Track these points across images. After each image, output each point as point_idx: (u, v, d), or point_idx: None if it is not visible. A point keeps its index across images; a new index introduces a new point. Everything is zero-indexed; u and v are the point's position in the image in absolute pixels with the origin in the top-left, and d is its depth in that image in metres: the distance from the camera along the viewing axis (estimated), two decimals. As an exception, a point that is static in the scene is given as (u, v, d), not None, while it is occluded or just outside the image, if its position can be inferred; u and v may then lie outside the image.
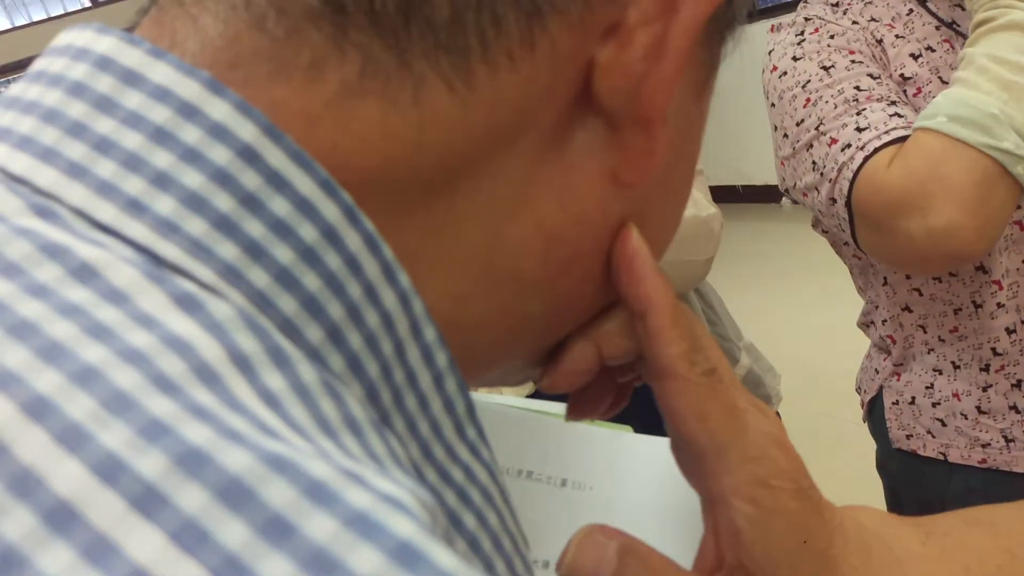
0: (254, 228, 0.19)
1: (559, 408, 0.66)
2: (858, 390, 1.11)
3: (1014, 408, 0.92)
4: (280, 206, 0.19)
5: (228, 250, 0.19)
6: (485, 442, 0.24)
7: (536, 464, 0.51)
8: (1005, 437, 0.93)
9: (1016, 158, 0.74)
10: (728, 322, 1.13)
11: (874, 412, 1.06)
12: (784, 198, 4.29)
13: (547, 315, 0.26)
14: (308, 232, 0.19)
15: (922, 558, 0.32)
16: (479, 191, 0.23)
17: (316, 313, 0.19)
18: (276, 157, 0.19)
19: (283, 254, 0.19)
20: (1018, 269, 0.87)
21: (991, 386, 0.92)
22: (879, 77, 0.86)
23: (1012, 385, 0.92)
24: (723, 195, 4.17)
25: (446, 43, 0.21)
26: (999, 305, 0.89)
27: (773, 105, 0.92)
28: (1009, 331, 0.89)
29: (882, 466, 1.08)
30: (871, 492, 1.08)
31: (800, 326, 3.12)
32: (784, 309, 3.33)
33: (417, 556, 0.14)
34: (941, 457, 0.98)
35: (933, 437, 0.98)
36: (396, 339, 0.21)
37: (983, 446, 0.94)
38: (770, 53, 0.92)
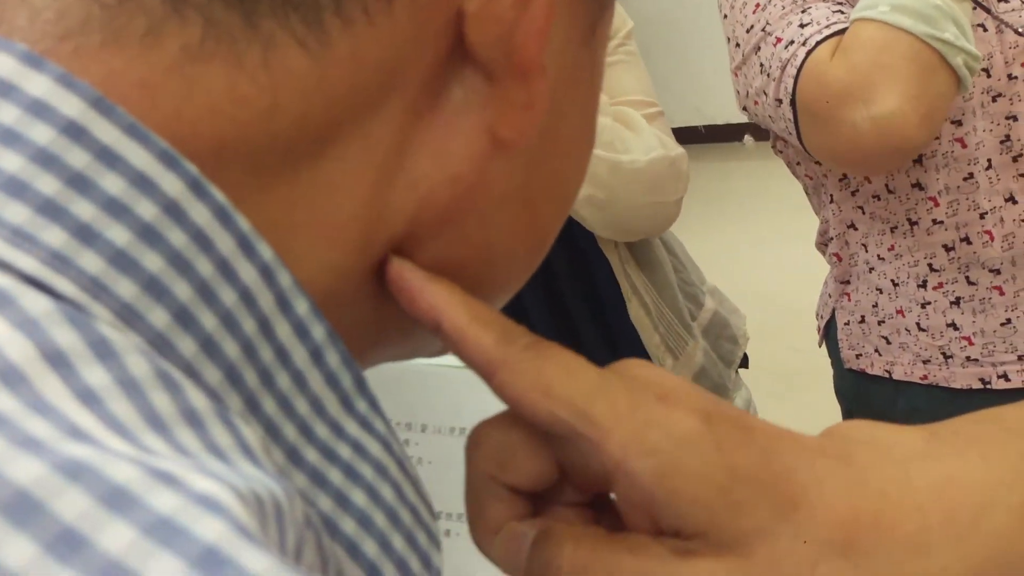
0: (83, 210, 0.18)
1: None
2: (817, 316, 1.14)
3: (952, 325, 0.95)
4: (113, 184, 0.18)
5: (54, 236, 0.17)
6: (379, 414, 0.23)
7: (471, 420, 0.51)
8: (943, 354, 0.96)
9: (955, 49, 0.76)
10: (691, 266, 1.15)
11: (829, 335, 1.10)
12: (747, 135, 4.25)
13: None
14: (147, 209, 0.18)
15: (928, 455, 0.27)
16: (349, 155, 0.22)
17: (160, 296, 0.18)
18: (106, 131, 0.18)
19: (118, 235, 0.18)
20: (958, 187, 0.89)
21: (930, 303, 0.95)
22: None
23: (951, 303, 0.94)
24: (685, 136, 4.16)
25: (295, 0, 0.20)
26: (935, 221, 0.91)
27: (726, 16, 0.93)
28: (947, 248, 0.92)
29: (838, 389, 1.12)
30: (839, 424, 1.12)
31: (766, 263, 3.15)
32: (750, 247, 3.36)
33: (223, 561, 0.13)
34: (886, 375, 1.01)
35: (880, 355, 1.01)
36: (259, 315, 0.20)
37: (924, 362, 0.97)
38: None
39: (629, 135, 0.94)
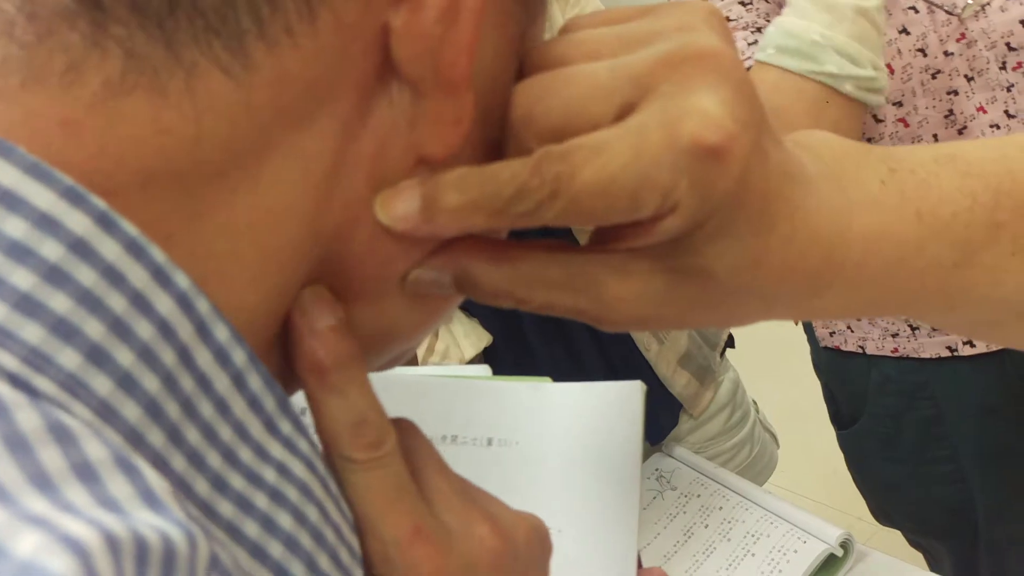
0: None
1: (483, 371, 0.68)
2: (791, 296, 1.17)
3: (916, 298, 0.98)
4: (15, 227, 0.18)
5: None
6: (303, 434, 0.23)
7: (461, 428, 0.52)
8: (911, 326, 0.99)
9: (841, 78, 0.78)
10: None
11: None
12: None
13: (373, 300, 0.25)
14: (52, 250, 0.18)
15: (875, 203, 0.28)
16: (281, 177, 0.22)
17: (69, 337, 0.18)
18: (6, 174, 0.18)
19: (22, 279, 0.17)
20: None
21: (893, 278, 0.98)
22: (750, 3, 0.89)
23: (912, 276, 0.97)
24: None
25: (217, 26, 0.20)
26: None
27: None
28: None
29: (816, 366, 1.14)
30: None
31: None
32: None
33: None
34: (860, 350, 1.04)
35: (852, 332, 1.04)
36: (179, 346, 0.20)
37: (893, 336, 1.00)
38: None
39: None
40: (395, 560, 0.25)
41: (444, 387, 0.52)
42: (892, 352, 1.01)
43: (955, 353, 0.98)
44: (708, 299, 0.27)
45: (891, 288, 0.29)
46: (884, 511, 1.15)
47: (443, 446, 0.51)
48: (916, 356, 0.99)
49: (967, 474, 1.02)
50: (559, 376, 0.57)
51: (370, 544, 0.25)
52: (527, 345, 0.93)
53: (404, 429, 0.28)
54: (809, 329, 1.12)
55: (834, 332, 1.06)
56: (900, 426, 1.03)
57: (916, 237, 0.29)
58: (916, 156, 0.30)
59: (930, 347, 0.99)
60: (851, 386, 1.07)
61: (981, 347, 0.97)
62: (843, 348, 1.05)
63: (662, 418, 0.98)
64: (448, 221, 0.24)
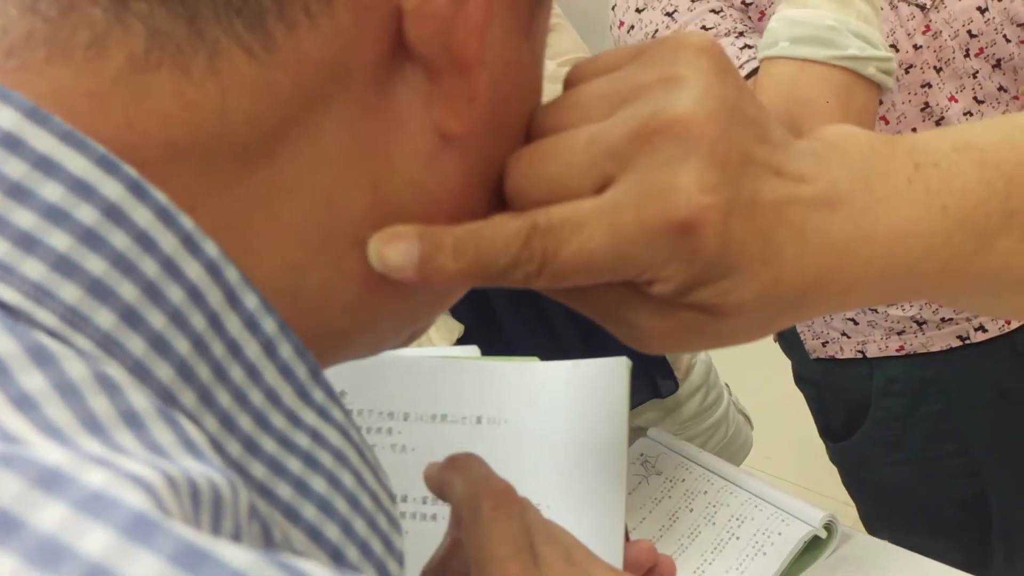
0: (23, 219, 0.18)
1: (472, 351, 0.71)
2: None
3: (919, 291, 0.97)
4: (52, 191, 0.18)
5: None
6: (336, 403, 0.23)
7: (450, 407, 0.53)
8: (916, 321, 0.98)
9: (864, 61, 0.76)
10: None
11: (784, 330, 1.10)
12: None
13: (399, 282, 0.25)
14: (87, 214, 0.18)
15: (903, 200, 0.30)
16: (302, 155, 0.22)
17: (104, 297, 0.18)
18: (42, 140, 0.19)
19: (59, 241, 0.18)
20: None
21: (895, 276, 0.98)
22: (722, 11, 0.89)
23: (913, 271, 0.97)
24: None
25: (238, 6, 0.20)
26: None
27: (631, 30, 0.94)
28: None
29: (801, 379, 1.12)
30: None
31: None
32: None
33: (155, 527, 0.14)
34: (860, 355, 1.02)
35: (848, 338, 1.03)
36: (209, 311, 0.20)
37: (899, 334, 0.99)
38: (613, 8, 0.94)
39: None
40: None
41: (434, 367, 0.54)
42: (897, 351, 1.00)
43: (966, 342, 0.97)
44: (740, 325, 0.29)
45: (918, 277, 0.31)
46: (883, 518, 1.12)
47: (433, 425, 0.53)
48: (924, 351, 0.98)
49: (980, 465, 1.00)
50: (541, 359, 0.60)
51: None
52: (501, 333, 0.92)
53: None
54: (794, 343, 1.10)
55: (827, 342, 1.04)
56: (907, 426, 1.02)
57: (943, 229, 0.30)
58: (937, 147, 0.32)
59: (940, 340, 0.98)
60: (849, 395, 1.06)
61: (993, 331, 0.96)
62: (839, 356, 1.04)
63: (637, 386, 0.97)
64: (442, 282, 0.26)
